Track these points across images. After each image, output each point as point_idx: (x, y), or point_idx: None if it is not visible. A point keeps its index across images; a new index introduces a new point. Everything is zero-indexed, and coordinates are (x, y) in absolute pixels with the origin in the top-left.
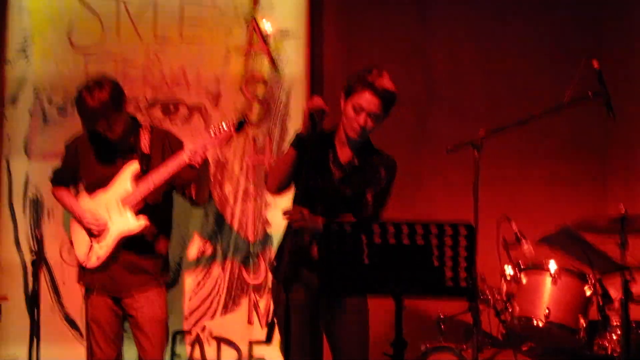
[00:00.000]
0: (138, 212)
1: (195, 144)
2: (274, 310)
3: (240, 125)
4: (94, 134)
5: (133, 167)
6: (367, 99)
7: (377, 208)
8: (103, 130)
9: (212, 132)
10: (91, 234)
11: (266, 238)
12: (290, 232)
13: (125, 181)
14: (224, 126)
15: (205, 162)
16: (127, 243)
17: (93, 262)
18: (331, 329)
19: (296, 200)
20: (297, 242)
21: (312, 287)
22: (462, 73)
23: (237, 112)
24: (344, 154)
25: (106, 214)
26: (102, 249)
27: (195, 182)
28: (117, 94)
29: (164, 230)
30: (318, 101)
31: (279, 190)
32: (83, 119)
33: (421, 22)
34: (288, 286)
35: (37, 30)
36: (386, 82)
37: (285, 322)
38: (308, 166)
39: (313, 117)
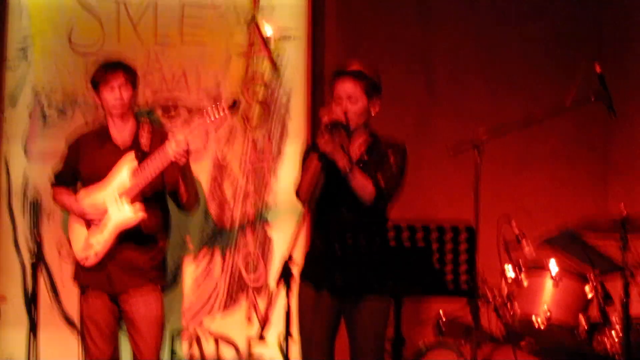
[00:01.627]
0: (136, 205)
1: (191, 127)
2: (300, 312)
3: (234, 105)
4: (102, 128)
5: (131, 162)
6: (340, 86)
7: (388, 190)
8: (113, 86)
9: (206, 116)
10: (89, 230)
11: (265, 238)
12: (319, 232)
13: (123, 176)
14: (218, 109)
15: (188, 165)
16: (126, 238)
17: (91, 259)
18: (350, 324)
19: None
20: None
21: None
22: (463, 74)
23: (238, 115)
24: (353, 152)
25: (106, 208)
26: (100, 244)
27: (181, 184)
28: (134, 70)
29: (163, 222)
30: (336, 114)
31: (312, 199)
32: (101, 69)
33: (422, 23)
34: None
35: (37, 31)
36: (354, 65)
37: (286, 322)
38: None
39: (329, 129)
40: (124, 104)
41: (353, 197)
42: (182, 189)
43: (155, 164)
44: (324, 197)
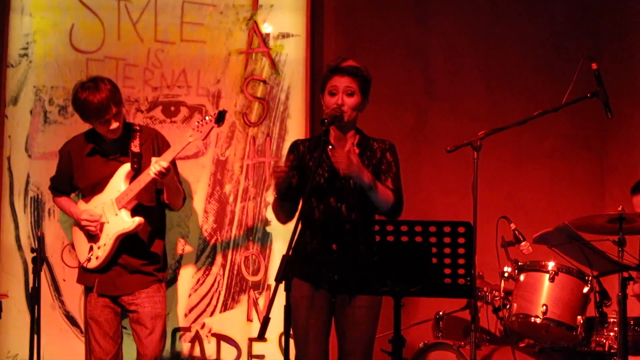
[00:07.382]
0: (133, 212)
1: (181, 139)
2: (293, 309)
3: (220, 117)
4: (90, 136)
5: (125, 167)
6: (338, 80)
7: (399, 190)
8: (108, 120)
9: (194, 127)
10: (90, 236)
11: (265, 236)
12: (308, 228)
13: (118, 182)
14: (206, 120)
15: (172, 169)
16: (124, 246)
17: (93, 263)
18: (342, 323)
19: (309, 202)
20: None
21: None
22: (461, 73)
23: (237, 113)
24: (343, 147)
25: (102, 214)
26: (101, 249)
27: (165, 186)
28: (117, 88)
29: (158, 231)
30: (333, 104)
31: (289, 219)
32: (90, 112)
33: (420, 23)
34: (288, 284)
35: (38, 31)
36: (351, 62)
37: (285, 320)
38: (314, 171)
39: (327, 123)
40: (117, 131)
41: (348, 194)
42: (165, 193)
43: (142, 178)
44: (320, 194)
